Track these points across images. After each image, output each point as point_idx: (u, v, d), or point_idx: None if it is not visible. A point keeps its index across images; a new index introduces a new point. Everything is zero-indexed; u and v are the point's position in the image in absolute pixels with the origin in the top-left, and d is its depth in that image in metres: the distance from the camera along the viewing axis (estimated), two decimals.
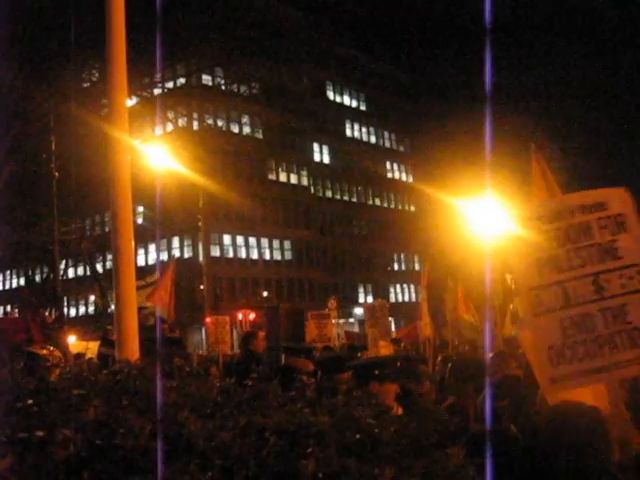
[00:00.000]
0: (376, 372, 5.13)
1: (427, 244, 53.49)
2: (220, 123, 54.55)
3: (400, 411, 4.44)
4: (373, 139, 78.63)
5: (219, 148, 46.54)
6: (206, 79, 47.52)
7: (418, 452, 2.41)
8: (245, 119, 60.66)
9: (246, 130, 61.19)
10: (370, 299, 62.44)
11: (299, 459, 2.00)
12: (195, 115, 46.30)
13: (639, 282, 3.95)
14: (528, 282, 4.02)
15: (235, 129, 59.66)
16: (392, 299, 68.24)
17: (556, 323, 3.91)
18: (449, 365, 8.26)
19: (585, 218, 4.08)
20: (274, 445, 2.01)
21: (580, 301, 3.94)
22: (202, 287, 47.70)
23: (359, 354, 11.20)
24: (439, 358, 10.28)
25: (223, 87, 44.17)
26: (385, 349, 12.39)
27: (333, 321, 15.82)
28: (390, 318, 17.76)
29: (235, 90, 44.11)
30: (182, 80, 38.73)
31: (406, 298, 75.04)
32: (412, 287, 73.98)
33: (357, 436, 2.36)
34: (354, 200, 74.64)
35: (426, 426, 2.72)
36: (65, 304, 36.89)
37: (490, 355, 6.99)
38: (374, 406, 2.78)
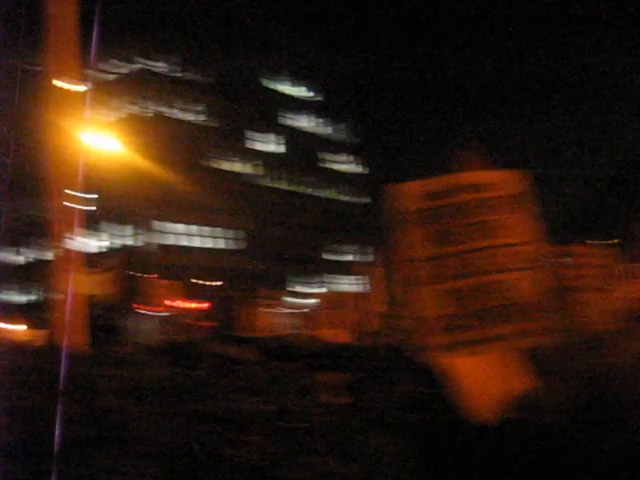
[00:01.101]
0: (325, 362, 5.17)
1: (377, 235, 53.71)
2: (164, 110, 53.92)
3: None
4: (322, 130, 78.49)
5: (163, 135, 45.99)
6: (148, 65, 46.83)
7: (355, 440, 2.44)
8: (190, 106, 60.01)
9: (190, 117, 60.54)
10: (314, 290, 62.45)
11: (238, 446, 2.03)
12: (138, 102, 45.63)
13: (527, 260, 4.09)
14: (423, 253, 4.11)
15: (179, 116, 58.96)
16: (338, 289, 68.31)
17: (447, 293, 4.03)
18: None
19: (478, 195, 4.18)
20: (212, 432, 2.04)
21: (472, 273, 4.06)
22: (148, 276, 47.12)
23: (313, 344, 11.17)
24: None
25: (166, 74, 43.64)
26: (341, 337, 12.37)
27: (272, 310, 15.83)
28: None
29: (179, 77, 43.68)
30: (128, 66, 38.13)
31: (350, 288, 75.26)
32: (357, 278, 74.10)
33: (295, 425, 2.39)
34: (299, 190, 74.45)
35: (368, 415, 2.76)
36: None
37: None
38: (316, 395, 2.80)
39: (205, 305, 26.29)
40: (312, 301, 33.55)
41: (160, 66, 51.69)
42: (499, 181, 4.26)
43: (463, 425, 5.10)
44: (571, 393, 4.01)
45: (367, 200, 79.73)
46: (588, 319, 7.61)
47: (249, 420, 2.22)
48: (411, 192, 4.25)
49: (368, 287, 13.21)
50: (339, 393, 4.59)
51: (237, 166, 67.13)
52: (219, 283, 58.35)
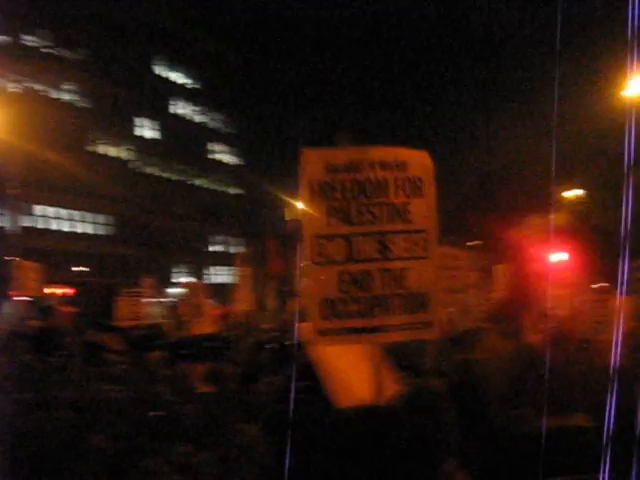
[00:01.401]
0: (184, 352, 5.15)
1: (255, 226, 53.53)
2: (38, 87, 51.78)
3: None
4: (199, 118, 77.60)
5: (35, 113, 44.17)
6: (26, 40, 44.85)
7: (216, 429, 2.46)
8: (66, 85, 57.90)
9: (65, 97, 58.41)
10: (188, 279, 61.73)
11: (89, 433, 2.01)
12: (11, 76, 43.63)
13: (423, 249, 3.91)
14: (315, 229, 3.82)
15: (54, 95, 56.78)
16: (209, 280, 67.82)
17: (335, 276, 3.78)
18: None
19: (383, 175, 3.93)
20: (62, 419, 2.01)
21: (362, 258, 3.83)
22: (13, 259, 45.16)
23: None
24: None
25: (43, 49, 41.88)
26: (209, 327, 12.25)
27: (148, 300, 15.56)
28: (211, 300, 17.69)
29: (56, 54, 41.96)
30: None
31: (225, 279, 74.90)
32: (232, 269, 73.76)
33: (155, 413, 2.39)
34: (176, 178, 73.36)
35: (229, 405, 2.78)
36: None
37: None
38: (177, 384, 2.80)
39: (71, 291, 25.51)
40: (183, 291, 33.06)
41: (36, 41, 49.57)
42: (409, 160, 3.99)
43: (324, 415, 5.22)
44: (436, 386, 4.10)
45: (243, 191, 79.62)
46: (451, 318, 7.90)
47: (106, 407, 2.21)
48: (327, 160, 3.88)
49: (238, 279, 13.22)
50: (201, 383, 4.61)
51: (114, 150, 65.36)
52: (87, 269, 56.71)
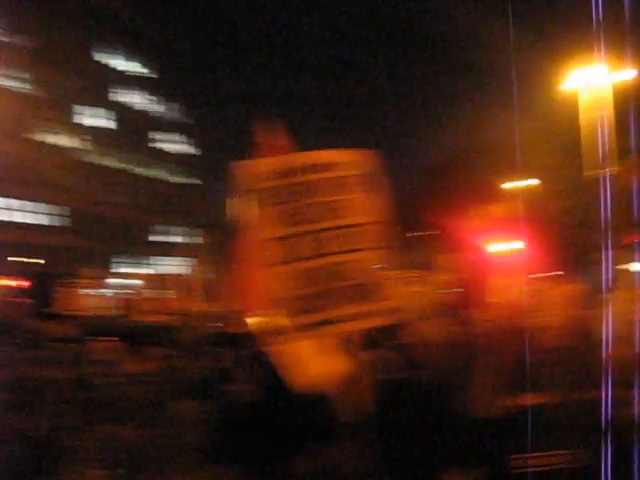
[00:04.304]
0: (139, 339, 5.24)
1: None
2: None
3: None
4: (153, 107, 76.77)
5: None
6: None
7: (157, 407, 2.53)
8: (12, 73, 56.76)
9: (12, 85, 57.27)
10: (139, 270, 61.21)
11: (12, 413, 2.04)
12: None
13: (359, 241, 4.11)
14: (258, 234, 4.06)
15: (0, 82, 55.64)
16: (162, 271, 67.26)
17: (281, 276, 3.99)
18: None
19: (315, 177, 4.16)
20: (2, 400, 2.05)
21: (305, 256, 4.02)
22: None
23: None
24: None
25: None
26: (159, 317, 12.24)
27: (94, 290, 15.51)
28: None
29: (2, 40, 41.02)
30: None
31: (176, 270, 74.40)
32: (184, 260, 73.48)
33: (84, 394, 2.44)
34: (126, 167, 72.53)
35: (169, 386, 2.85)
36: None
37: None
38: (123, 367, 2.85)
39: (25, 283, 25.21)
40: (135, 282, 32.93)
41: None
42: (346, 161, 4.22)
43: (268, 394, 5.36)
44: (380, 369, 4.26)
45: (197, 182, 79.09)
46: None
47: (45, 389, 2.27)
48: (260, 170, 4.12)
49: (191, 270, 13.20)
50: (150, 366, 4.68)
51: (63, 139, 64.27)
52: (40, 261, 55.81)
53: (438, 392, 3.89)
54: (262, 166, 4.16)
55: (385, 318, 4.15)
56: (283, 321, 3.93)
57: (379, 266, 4.17)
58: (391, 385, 3.95)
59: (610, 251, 8.09)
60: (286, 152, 4.43)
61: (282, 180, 4.12)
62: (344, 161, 4.25)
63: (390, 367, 4.34)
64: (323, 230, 4.11)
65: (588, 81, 14.45)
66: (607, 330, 5.45)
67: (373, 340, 5.07)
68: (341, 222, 4.13)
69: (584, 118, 14.09)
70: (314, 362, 4.37)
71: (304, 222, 4.08)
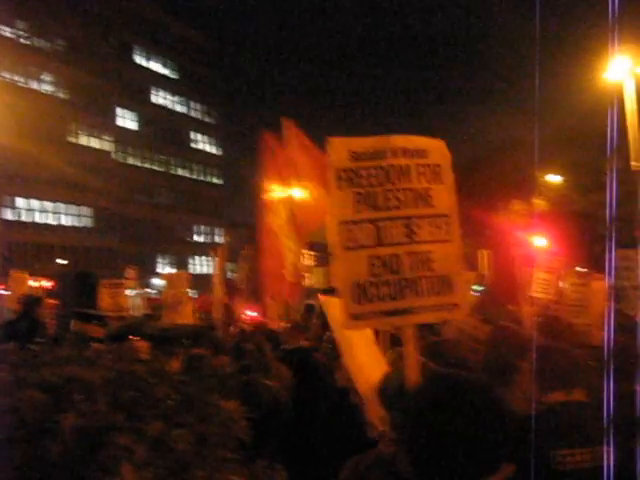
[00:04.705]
0: (168, 340, 5.19)
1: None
2: (17, 78, 51.43)
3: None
4: (180, 108, 77.40)
5: (15, 104, 43.88)
6: (3, 30, 44.43)
7: (191, 407, 2.44)
8: (46, 76, 57.48)
9: (46, 88, 58.02)
10: (169, 270, 61.69)
11: (62, 413, 1.97)
12: None
13: (446, 232, 4.05)
14: (343, 216, 3.95)
15: (34, 86, 56.38)
16: (192, 270, 67.80)
17: (365, 260, 3.90)
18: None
19: (406, 161, 4.08)
20: (33, 399, 1.96)
21: (391, 242, 3.96)
22: None
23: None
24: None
25: (22, 40, 41.51)
26: (186, 319, 12.23)
27: (131, 291, 15.48)
28: (193, 290, 17.64)
29: (36, 45, 41.62)
30: None
31: (205, 270, 74.97)
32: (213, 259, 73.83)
33: (130, 393, 2.36)
34: (157, 168, 73.21)
35: (206, 384, 2.76)
36: None
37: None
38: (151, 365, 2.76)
39: (51, 283, 25.38)
40: (175, 282, 32.93)
41: (13, 32, 49.24)
42: (428, 148, 4.16)
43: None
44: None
45: (223, 182, 79.74)
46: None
47: (83, 388, 2.17)
48: (341, 149, 4.02)
49: (216, 270, 13.10)
50: (182, 367, 4.62)
51: (96, 142, 65.05)
52: (65, 262, 56.45)
53: (483, 390, 3.75)
54: (355, 145, 4.06)
55: (455, 312, 4.08)
56: (357, 308, 3.82)
57: (457, 260, 4.13)
58: (436, 383, 3.81)
59: None
60: (313, 148, 4.37)
61: (359, 162, 4.02)
62: (425, 148, 4.16)
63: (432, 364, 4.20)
64: (413, 217, 4.02)
65: (633, 70, 14.13)
66: None
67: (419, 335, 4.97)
68: (431, 211, 4.06)
69: (630, 109, 13.77)
70: (368, 357, 4.40)
71: (394, 207, 3.99)
